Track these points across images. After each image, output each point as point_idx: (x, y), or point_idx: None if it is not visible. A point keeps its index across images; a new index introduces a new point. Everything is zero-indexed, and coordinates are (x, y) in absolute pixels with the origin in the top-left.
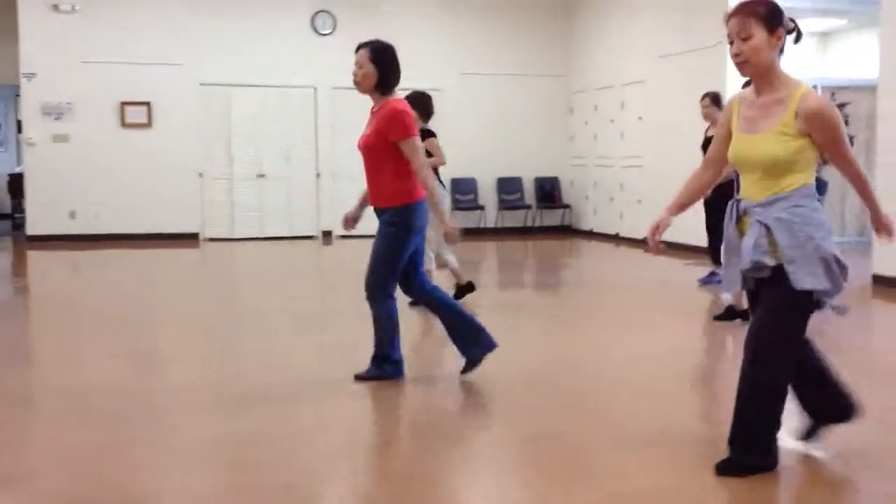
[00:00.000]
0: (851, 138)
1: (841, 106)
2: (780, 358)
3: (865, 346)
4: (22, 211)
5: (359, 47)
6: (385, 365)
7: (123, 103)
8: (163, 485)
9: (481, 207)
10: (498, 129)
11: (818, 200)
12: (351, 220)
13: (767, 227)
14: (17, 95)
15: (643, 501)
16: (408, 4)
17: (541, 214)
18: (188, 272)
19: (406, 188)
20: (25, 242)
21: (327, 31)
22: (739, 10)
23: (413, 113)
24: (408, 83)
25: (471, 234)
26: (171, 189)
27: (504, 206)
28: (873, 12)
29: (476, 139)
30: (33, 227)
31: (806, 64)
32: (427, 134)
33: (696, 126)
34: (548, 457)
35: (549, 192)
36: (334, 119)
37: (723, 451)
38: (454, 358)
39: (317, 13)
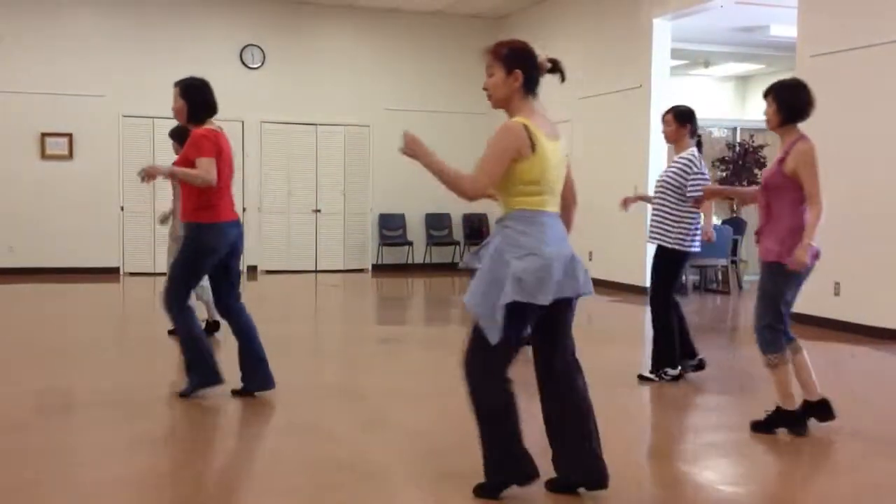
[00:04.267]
0: None
1: (759, 147)
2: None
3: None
4: None
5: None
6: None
7: (44, 134)
8: None
9: (410, 243)
10: None
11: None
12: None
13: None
14: None
15: None
16: (337, 39)
17: (469, 251)
18: (106, 307)
19: (198, 207)
20: None
21: (256, 65)
22: (489, 49)
23: (209, 137)
24: (337, 118)
25: (399, 269)
26: (91, 222)
27: (432, 241)
28: (790, 57)
29: (404, 175)
30: None
31: (725, 107)
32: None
33: (618, 164)
34: (464, 493)
35: (477, 228)
36: (262, 153)
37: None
38: (379, 397)
39: (245, 47)
